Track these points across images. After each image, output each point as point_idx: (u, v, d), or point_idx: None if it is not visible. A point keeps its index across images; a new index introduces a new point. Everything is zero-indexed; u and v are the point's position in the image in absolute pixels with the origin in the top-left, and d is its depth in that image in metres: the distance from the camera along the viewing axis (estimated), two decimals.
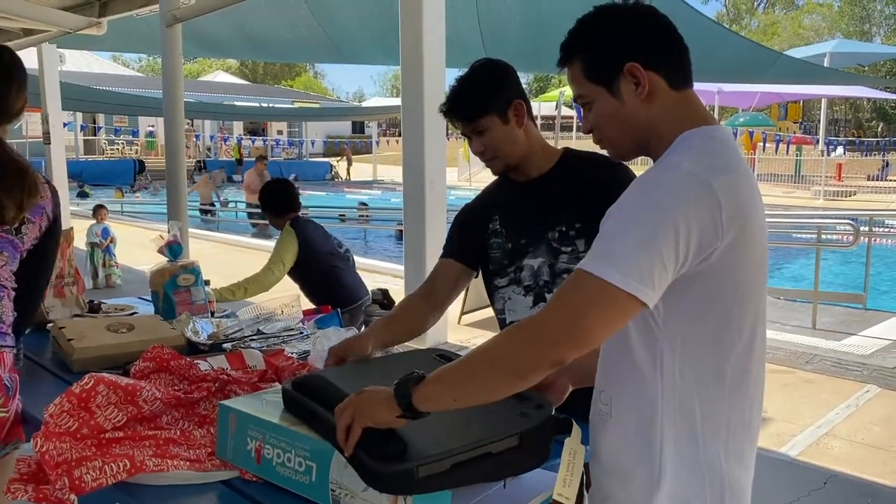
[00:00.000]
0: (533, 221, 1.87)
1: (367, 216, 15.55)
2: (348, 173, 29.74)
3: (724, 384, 1.15)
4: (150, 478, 1.36)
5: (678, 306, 1.11)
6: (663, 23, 1.22)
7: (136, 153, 28.88)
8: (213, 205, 16.50)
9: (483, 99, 1.80)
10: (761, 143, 20.76)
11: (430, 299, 1.89)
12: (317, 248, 3.63)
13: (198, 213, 15.42)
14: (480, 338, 5.85)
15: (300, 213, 3.83)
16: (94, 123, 28.18)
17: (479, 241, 1.93)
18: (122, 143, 29.45)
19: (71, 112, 22.06)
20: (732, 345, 1.14)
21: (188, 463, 1.41)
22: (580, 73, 1.22)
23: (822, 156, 22.75)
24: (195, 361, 1.83)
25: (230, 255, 9.85)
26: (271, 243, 11.62)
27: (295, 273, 3.66)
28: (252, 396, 1.49)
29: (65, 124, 12.69)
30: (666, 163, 1.13)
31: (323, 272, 3.58)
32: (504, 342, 1.12)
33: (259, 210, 11.05)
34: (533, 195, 1.89)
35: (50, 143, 7.40)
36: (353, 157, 31.02)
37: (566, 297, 1.08)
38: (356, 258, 3.99)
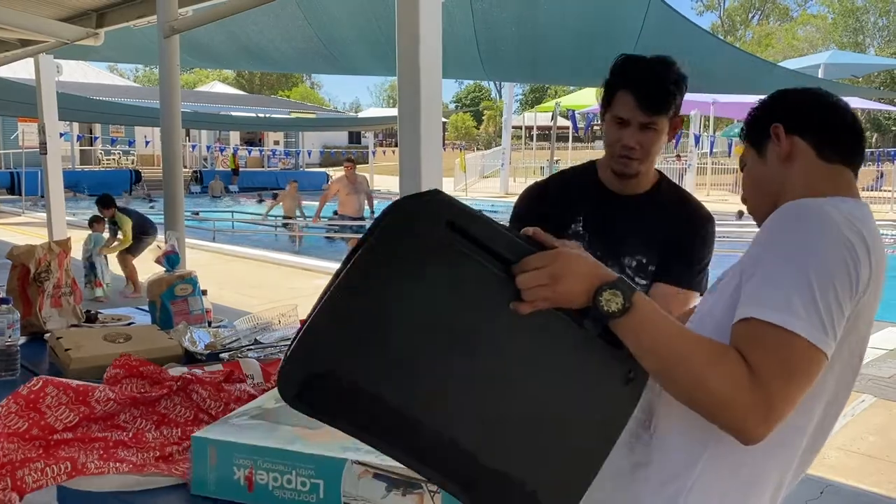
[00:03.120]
0: (615, 239, 1.81)
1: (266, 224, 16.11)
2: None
3: (788, 451, 1.13)
4: (89, 483, 1.36)
5: None
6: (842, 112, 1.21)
7: (133, 163, 28.87)
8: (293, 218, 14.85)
9: (674, 99, 1.72)
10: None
11: None
12: None
13: (257, 226, 15.11)
14: None
15: None
16: (91, 134, 28.18)
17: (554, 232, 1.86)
18: (119, 154, 29.44)
19: (68, 122, 22.05)
20: (812, 412, 1.12)
21: (131, 466, 1.41)
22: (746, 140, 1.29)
23: None
24: (164, 367, 1.84)
25: (228, 265, 9.85)
26: (267, 253, 11.55)
27: None
28: (221, 423, 1.43)
29: (61, 134, 12.72)
30: (812, 205, 1.08)
31: None
32: (723, 380, 0.96)
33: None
34: (624, 213, 1.82)
35: (46, 154, 7.39)
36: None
37: (790, 372, 0.97)
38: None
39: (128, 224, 7.99)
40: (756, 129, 1.24)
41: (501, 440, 0.96)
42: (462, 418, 0.95)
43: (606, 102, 1.77)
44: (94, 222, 8.07)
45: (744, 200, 1.30)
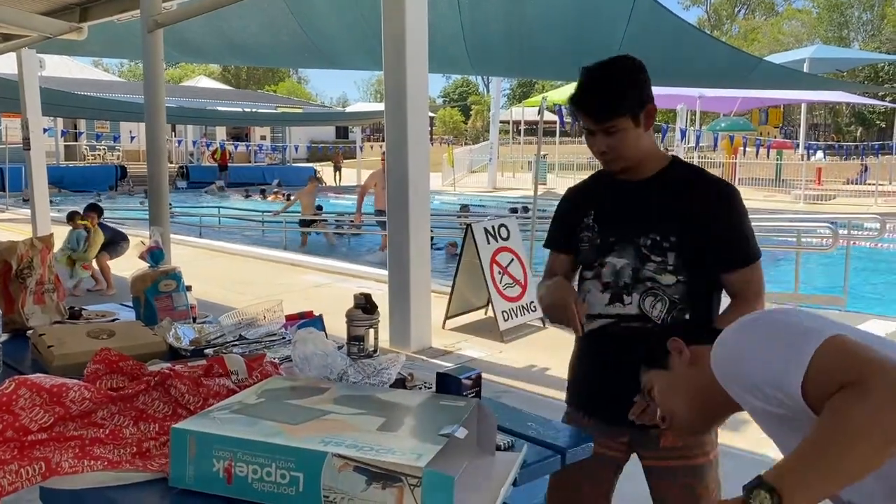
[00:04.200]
0: (626, 222, 1.89)
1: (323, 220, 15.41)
2: (337, 179, 29.61)
3: None
4: (65, 481, 1.36)
5: None
6: None
7: (118, 159, 28.68)
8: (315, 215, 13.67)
9: (622, 100, 1.78)
10: (742, 148, 20.96)
11: None
12: None
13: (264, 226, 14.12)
14: (464, 342, 5.86)
15: None
16: (76, 129, 27.96)
17: (573, 233, 1.99)
18: (104, 149, 29.24)
19: (51, 118, 21.89)
20: None
21: (106, 463, 1.41)
22: None
23: (802, 160, 22.98)
24: (146, 363, 1.84)
25: (212, 261, 9.81)
26: (254, 249, 11.48)
27: None
28: (200, 417, 1.42)
29: (45, 130, 12.62)
30: None
31: None
32: (860, 419, 0.95)
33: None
34: (632, 196, 1.90)
35: (30, 149, 7.34)
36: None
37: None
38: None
39: (99, 237, 7.74)
40: None
41: None
42: None
43: (575, 120, 1.92)
44: (73, 218, 7.88)
45: None
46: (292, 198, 14.64)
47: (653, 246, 1.84)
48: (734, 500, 1.00)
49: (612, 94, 1.78)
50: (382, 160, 10.00)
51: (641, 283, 1.84)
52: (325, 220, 13.92)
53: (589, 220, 1.95)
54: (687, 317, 1.85)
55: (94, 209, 8.05)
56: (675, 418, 1.24)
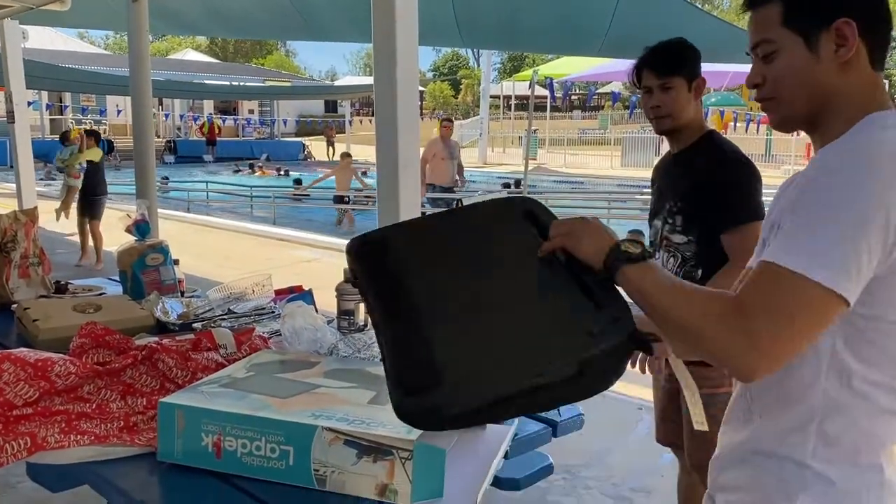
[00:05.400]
0: (663, 190, 2.24)
1: (303, 195, 15.32)
2: (330, 154, 29.36)
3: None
4: (51, 456, 1.35)
5: (862, 296, 0.97)
6: None
7: (106, 133, 28.38)
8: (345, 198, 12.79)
9: (683, 59, 2.13)
10: (732, 123, 20.94)
11: None
12: None
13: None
14: None
15: None
16: (61, 102, 27.59)
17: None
18: (90, 123, 28.91)
19: (36, 91, 21.59)
20: None
21: (93, 437, 1.40)
22: (776, 15, 1.06)
23: (792, 135, 23.00)
24: (133, 337, 1.82)
25: (198, 235, 9.75)
26: (239, 223, 11.38)
27: None
28: (189, 390, 1.41)
29: (30, 103, 12.46)
30: (859, 140, 0.99)
31: None
32: (710, 316, 0.97)
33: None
34: (670, 167, 2.25)
35: (14, 123, 7.22)
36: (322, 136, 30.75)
37: (770, 300, 0.94)
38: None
39: (93, 150, 8.04)
40: (808, 12, 1.05)
41: (462, 339, 1.13)
42: (448, 321, 1.15)
43: (637, 83, 2.21)
44: (67, 137, 8.54)
45: (763, 99, 1.12)
46: (325, 173, 13.84)
47: (670, 210, 2.17)
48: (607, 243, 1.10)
49: (674, 55, 2.13)
50: (444, 128, 9.44)
51: (663, 241, 2.19)
52: (354, 199, 12.84)
53: (653, 187, 2.34)
54: (699, 274, 2.10)
55: (92, 134, 8.38)
56: (776, 102, 1.12)
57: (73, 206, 8.22)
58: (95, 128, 11.44)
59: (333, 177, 13.07)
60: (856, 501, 1.04)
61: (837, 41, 1.04)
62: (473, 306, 1.15)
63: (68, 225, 8.48)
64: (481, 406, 1.08)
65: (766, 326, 0.94)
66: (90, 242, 7.93)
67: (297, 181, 17.35)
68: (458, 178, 9.58)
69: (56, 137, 26.42)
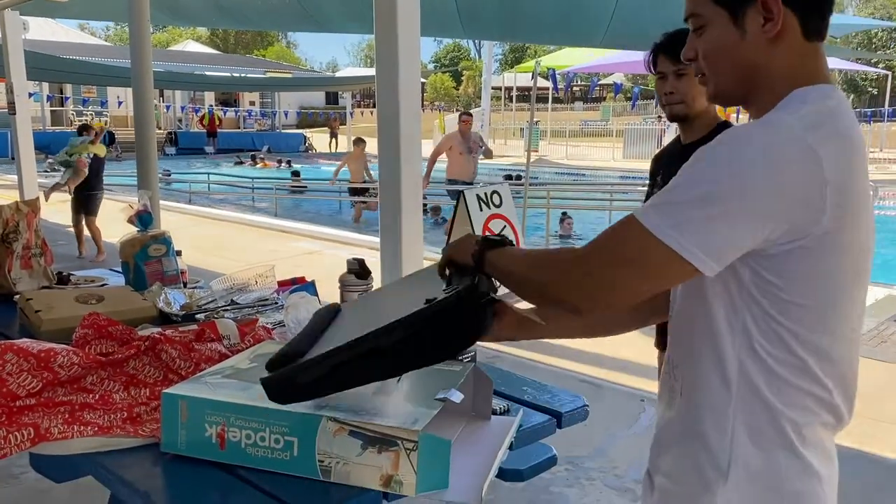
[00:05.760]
0: (672, 178, 2.23)
1: (301, 187, 15.14)
2: (334, 146, 29.28)
3: (811, 373, 1.02)
4: (54, 447, 1.35)
5: (770, 277, 0.98)
6: None
7: (107, 124, 28.33)
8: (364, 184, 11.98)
9: None
10: (735, 114, 20.88)
11: None
12: None
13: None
14: None
15: None
16: (62, 94, 27.55)
17: (651, 194, 2.36)
18: (91, 114, 28.86)
19: (37, 82, 21.54)
20: (824, 330, 1.01)
21: (96, 428, 1.39)
22: None
23: None
24: (136, 328, 1.81)
25: (200, 227, 9.75)
26: (241, 214, 11.35)
27: None
28: (192, 381, 1.40)
29: (30, 94, 12.41)
30: (769, 118, 0.98)
31: None
32: (551, 260, 1.09)
33: None
34: (682, 156, 2.16)
35: (15, 114, 7.21)
36: (325, 128, 30.67)
37: (609, 242, 1.00)
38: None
39: (98, 145, 8.03)
40: None
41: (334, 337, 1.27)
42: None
43: (653, 68, 2.23)
44: (84, 130, 8.19)
45: (698, 74, 1.12)
46: (340, 164, 13.13)
47: None
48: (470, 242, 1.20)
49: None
50: (463, 122, 9.10)
51: None
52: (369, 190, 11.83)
53: (657, 179, 2.36)
54: None
55: (92, 128, 8.36)
56: (707, 77, 1.12)
57: (57, 198, 8.20)
58: (101, 123, 11.41)
59: (347, 167, 12.34)
60: (774, 484, 1.04)
61: (765, 15, 1.01)
62: (362, 320, 1.30)
63: (69, 217, 8.45)
64: (323, 374, 1.17)
65: (601, 264, 0.99)
66: (86, 233, 7.92)
67: (295, 173, 17.32)
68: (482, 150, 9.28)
69: (57, 129, 26.44)
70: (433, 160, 9.28)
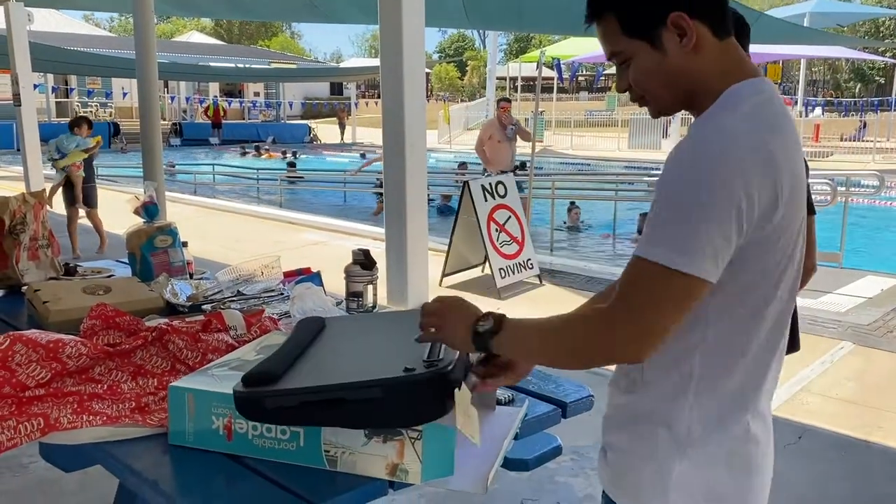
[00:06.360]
0: None
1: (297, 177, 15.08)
2: (341, 136, 29.22)
3: (752, 351, 1.12)
4: (63, 437, 1.36)
5: (733, 259, 1.05)
6: None
7: (111, 115, 28.34)
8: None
9: None
10: None
11: None
12: None
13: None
14: None
15: None
16: (67, 85, 27.56)
17: None
18: (96, 106, 28.87)
19: (42, 74, 21.55)
20: (766, 313, 1.11)
21: (105, 418, 1.40)
22: (615, 28, 1.13)
23: (801, 116, 22.82)
24: (142, 319, 1.82)
25: (205, 218, 9.76)
26: (246, 205, 11.36)
27: None
28: (199, 374, 1.42)
29: (35, 86, 12.40)
30: (715, 123, 1.06)
31: None
32: (578, 331, 1.08)
33: None
34: None
35: (20, 105, 7.22)
36: (330, 118, 30.61)
37: (635, 291, 1.03)
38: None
39: (93, 140, 7.90)
40: (642, 18, 1.10)
41: (312, 366, 1.32)
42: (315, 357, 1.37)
43: None
44: (76, 126, 7.91)
45: (638, 100, 1.18)
46: (372, 157, 13.03)
47: None
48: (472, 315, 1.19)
49: None
50: (501, 109, 8.76)
51: None
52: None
53: None
54: None
55: (84, 121, 8.13)
56: (648, 98, 1.19)
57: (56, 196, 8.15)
58: (86, 113, 11.25)
59: (380, 162, 12.00)
60: (726, 457, 1.13)
61: (678, 32, 1.09)
62: (341, 351, 1.37)
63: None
64: (289, 406, 1.19)
65: (640, 308, 1.02)
66: (88, 225, 7.88)
67: (291, 164, 17.36)
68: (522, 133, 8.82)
69: (62, 120, 26.47)
70: (481, 150, 8.93)
